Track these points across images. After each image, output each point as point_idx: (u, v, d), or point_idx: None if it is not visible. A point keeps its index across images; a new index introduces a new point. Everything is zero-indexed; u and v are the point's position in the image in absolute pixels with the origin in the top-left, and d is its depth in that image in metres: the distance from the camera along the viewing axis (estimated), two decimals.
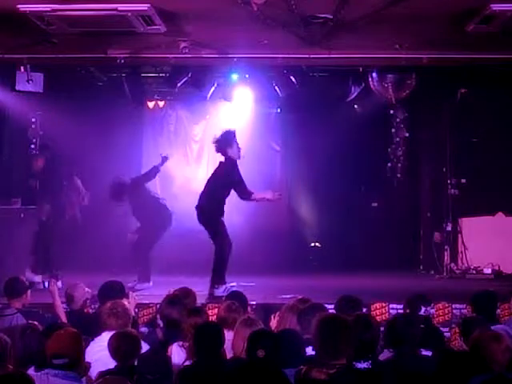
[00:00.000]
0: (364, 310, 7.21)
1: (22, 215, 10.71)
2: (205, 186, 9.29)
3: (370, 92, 10.92)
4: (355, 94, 11.18)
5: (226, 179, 9.10)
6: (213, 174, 9.37)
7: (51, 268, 10.23)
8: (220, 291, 8.84)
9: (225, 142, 9.15)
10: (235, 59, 9.94)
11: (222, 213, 9.16)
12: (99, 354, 5.29)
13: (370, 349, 4.98)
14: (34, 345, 5.12)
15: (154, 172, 10.64)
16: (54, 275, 9.87)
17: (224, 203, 9.16)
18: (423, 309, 6.53)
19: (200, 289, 9.02)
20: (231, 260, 10.28)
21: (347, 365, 4.66)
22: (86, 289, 7.28)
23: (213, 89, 11.18)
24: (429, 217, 12.51)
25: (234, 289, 8.59)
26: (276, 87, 11.09)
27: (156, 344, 5.81)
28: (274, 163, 12.98)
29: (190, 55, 9.31)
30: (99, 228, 11.84)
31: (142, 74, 11.36)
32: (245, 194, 9.10)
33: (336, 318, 5.04)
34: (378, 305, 8.31)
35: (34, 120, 12.11)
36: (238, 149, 9.18)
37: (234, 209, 10.97)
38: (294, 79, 10.82)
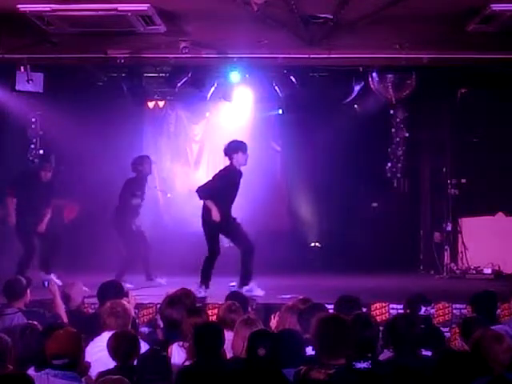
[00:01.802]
0: (364, 309, 7.20)
1: None
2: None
3: (370, 92, 10.92)
4: (355, 94, 11.18)
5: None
6: None
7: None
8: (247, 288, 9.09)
9: (232, 148, 9.30)
10: (235, 59, 9.94)
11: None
12: (99, 354, 5.28)
13: (370, 348, 4.97)
14: (34, 345, 5.12)
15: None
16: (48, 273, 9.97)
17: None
18: (423, 309, 6.52)
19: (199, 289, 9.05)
20: (231, 260, 10.30)
21: (346, 365, 4.66)
22: (84, 288, 7.28)
23: (213, 89, 11.18)
24: (429, 217, 12.50)
25: (234, 288, 8.62)
26: (276, 87, 11.09)
27: (156, 344, 5.81)
28: (274, 163, 12.97)
29: (189, 55, 9.31)
30: (99, 228, 11.83)
31: (143, 74, 11.35)
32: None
33: (335, 317, 5.04)
34: (378, 305, 8.30)
35: (34, 120, 12.11)
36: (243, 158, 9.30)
37: (233, 209, 10.97)
38: (294, 79, 10.82)
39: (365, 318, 5.28)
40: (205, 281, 9.20)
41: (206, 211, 9.27)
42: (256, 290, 9.13)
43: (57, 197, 10.81)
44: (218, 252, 9.41)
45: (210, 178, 9.50)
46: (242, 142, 9.41)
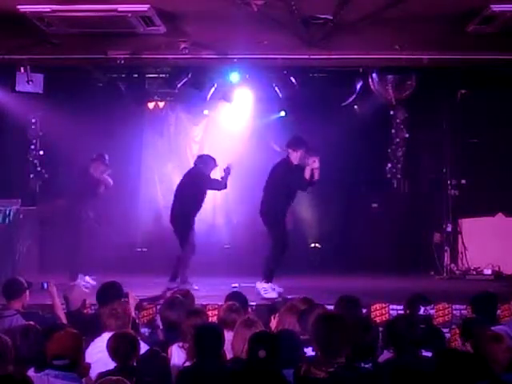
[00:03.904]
0: (364, 310, 7.21)
1: (22, 216, 10.71)
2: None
3: (370, 93, 10.92)
4: (355, 94, 11.18)
5: (281, 180, 9.38)
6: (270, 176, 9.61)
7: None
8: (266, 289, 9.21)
9: (294, 143, 9.41)
10: (235, 60, 9.94)
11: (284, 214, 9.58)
12: (99, 354, 5.28)
13: (370, 351, 4.96)
14: (34, 346, 5.12)
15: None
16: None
17: (284, 203, 9.52)
18: (422, 308, 6.51)
19: (199, 290, 9.06)
20: (231, 260, 10.29)
21: (347, 363, 4.66)
22: (84, 289, 7.27)
23: (213, 89, 11.18)
24: (429, 217, 12.50)
25: (236, 289, 8.62)
26: (276, 88, 11.09)
27: (156, 345, 5.81)
28: (273, 164, 12.94)
29: (189, 56, 9.32)
30: (100, 228, 11.83)
31: (142, 75, 11.35)
32: (304, 186, 9.42)
33: (332, 316, 5.04)
34: (378, 305, 8.30)
35: (33, 121, 12.11)
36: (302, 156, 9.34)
37: (233, 210, 10.99)
38: (294, 80, 10.82)
39: (365, 321, 5.26)
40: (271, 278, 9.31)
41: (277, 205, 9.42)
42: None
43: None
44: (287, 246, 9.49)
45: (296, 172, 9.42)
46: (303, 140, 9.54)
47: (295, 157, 9.35)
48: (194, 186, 10.06)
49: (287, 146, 9.49)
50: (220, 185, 10.24)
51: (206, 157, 10.31)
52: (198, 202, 10.09)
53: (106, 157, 10.81)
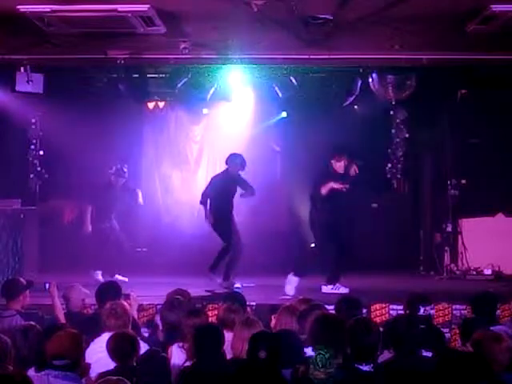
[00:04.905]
0: (364, 310, 7.21)
1: (22, 216, 10.72)
2: None
3: (370, 93, 10.91)
4: (355, 94, 11.17)
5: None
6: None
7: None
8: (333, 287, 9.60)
9: (339, 152, 9.75)
10: (235, 60, 9.94)
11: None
12: (99, 354, 5.28)
13: (371, 353, 4.95)
14: (34, 346, 5.12)
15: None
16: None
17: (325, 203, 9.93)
18: (422, 309, 6.51)
19: (197, 290, 9.05)
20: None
21: (347, 364, 4.66)
22: (83, 289, 7.28)
23: (213, 89, 11.18)
24: (429, 218, 12.49)
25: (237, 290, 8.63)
26: (276, 88, 11.09)
27: (156, 345, 5.81)
28: (273, 164, 12.97)
29: (189, 56, 9.32)
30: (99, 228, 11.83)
31: (142, 75, 11.34)
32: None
33: (330, 317, 5.04)
34: (377, 306, 8.30)
35: (34, 121, 12.09)
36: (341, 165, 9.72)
37: (233, 210, 10.96)
38: (294, 80, 10.82)
39: (366, 323, 5.25)
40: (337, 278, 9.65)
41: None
42: (341, 287, 9.62)
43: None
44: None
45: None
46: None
47: (339, 166, 9.71)
48: (229, 186, 10.13)
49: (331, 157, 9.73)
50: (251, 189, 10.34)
51: (232, 156, 10.25)
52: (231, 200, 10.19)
53: (125, 169, 11.07)
